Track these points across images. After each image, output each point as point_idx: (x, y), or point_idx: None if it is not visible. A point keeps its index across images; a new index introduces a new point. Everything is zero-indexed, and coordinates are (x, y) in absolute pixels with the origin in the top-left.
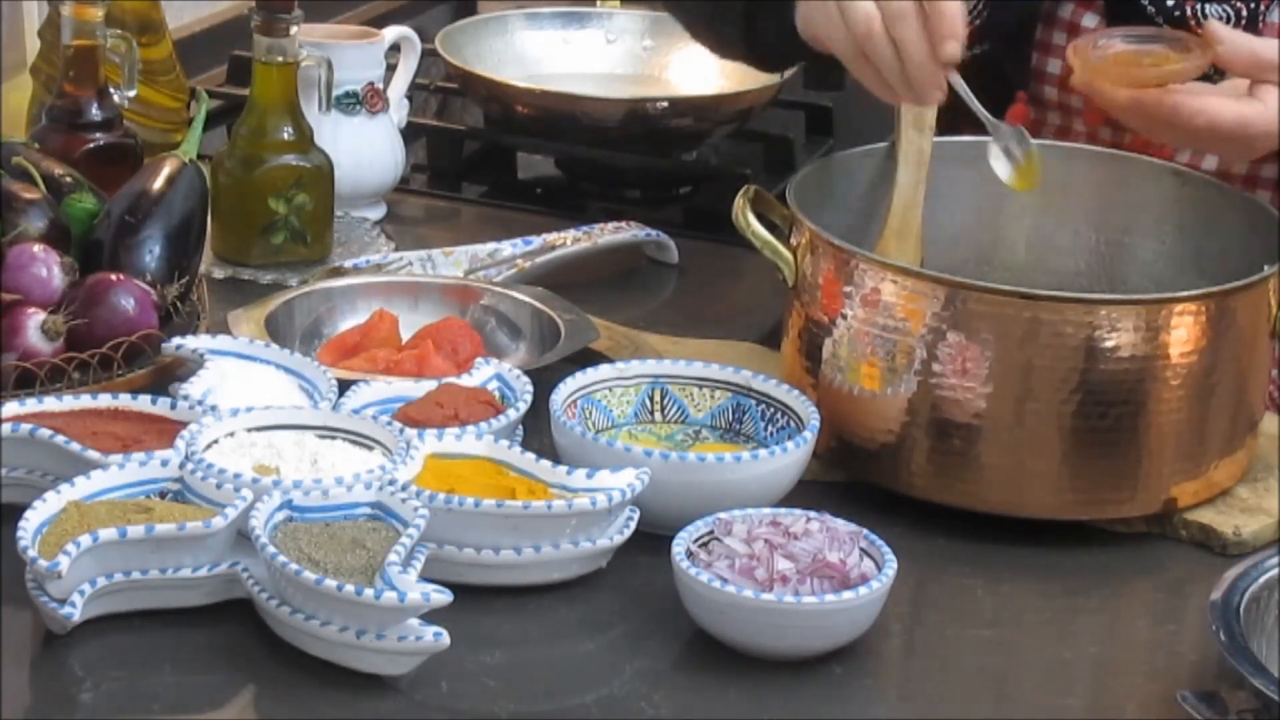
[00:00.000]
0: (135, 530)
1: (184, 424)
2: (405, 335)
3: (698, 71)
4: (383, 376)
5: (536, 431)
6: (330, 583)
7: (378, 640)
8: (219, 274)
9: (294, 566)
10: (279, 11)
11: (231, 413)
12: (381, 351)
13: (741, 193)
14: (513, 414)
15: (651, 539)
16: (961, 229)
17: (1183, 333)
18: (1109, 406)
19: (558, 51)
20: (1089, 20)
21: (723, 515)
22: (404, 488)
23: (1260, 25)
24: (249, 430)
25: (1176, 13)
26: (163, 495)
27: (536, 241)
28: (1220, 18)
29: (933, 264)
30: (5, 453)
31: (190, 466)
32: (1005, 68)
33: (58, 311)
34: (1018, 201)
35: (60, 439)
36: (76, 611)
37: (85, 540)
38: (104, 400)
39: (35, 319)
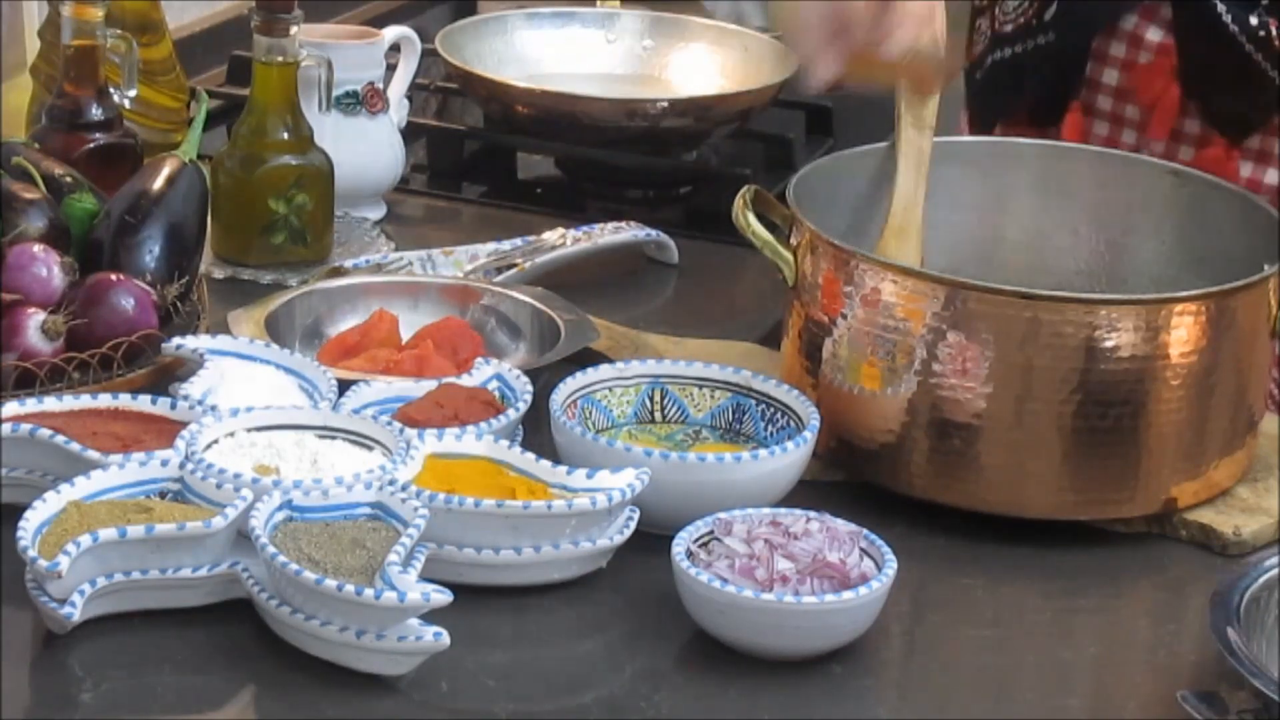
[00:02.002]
0: (135, 530)
1: (184, 424)
2: (405, 335)
3: (698, 71)
4: (383, 376)
5: (536, 431)
6: (330, 583)
7: (378, 640)
8: (219, 274)
9: (294, 566)
10: (279, 11)
11: (231, 413)
12: (381, 351)
13: (741, 193)
14: (513, 414)
15: (651, 539)
16: (961, 229)
17: (1183, 333)
18: (1109, 406)
19: (558, 51)
20: (1153, 34)
21: (723, 515)
22: (404, 488)
23: None
24: (249, 430)
25: (1261, 33)
26: (163, 495)
27: (536, 241)
28: None
29: (933, 264)
30: (5, 453)
31: (190, 466)
32: (1064, 64)
33: (58, 311)
34: (1018, 201)
35: (60, 439)
36: (76, 611)
37: (85, 540)
38: (104, 400)
39: (35, 319)
